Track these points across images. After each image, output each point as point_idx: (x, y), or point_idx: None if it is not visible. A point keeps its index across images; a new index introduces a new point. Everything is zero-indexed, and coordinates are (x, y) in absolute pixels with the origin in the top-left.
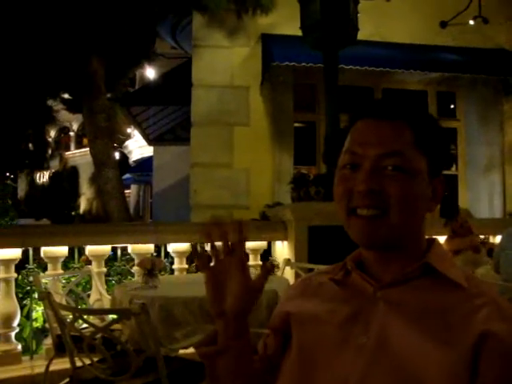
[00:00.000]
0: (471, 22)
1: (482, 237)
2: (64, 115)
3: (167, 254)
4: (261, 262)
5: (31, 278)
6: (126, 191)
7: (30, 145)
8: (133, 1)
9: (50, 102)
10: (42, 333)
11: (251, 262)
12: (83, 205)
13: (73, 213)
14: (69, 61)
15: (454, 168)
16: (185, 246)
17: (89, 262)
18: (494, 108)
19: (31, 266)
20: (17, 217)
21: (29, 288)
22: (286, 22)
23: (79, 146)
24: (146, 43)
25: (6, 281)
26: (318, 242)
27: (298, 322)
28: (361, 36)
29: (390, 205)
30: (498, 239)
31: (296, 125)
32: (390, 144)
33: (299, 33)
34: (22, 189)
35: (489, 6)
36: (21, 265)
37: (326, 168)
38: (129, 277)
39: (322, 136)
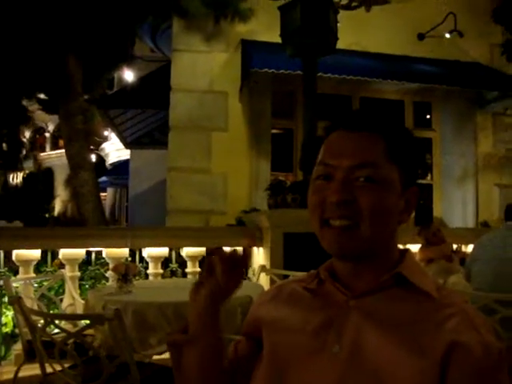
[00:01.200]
0: (447, 35)
1: (455, 246)
2: (40, 116)
3: (142, 259)
4: None
5: (1, 282)
6: (102, 194)
7: (4, 145)
8: (112, 1)
9: (25, 102)
10: (11, 338)
11: None
12: (58, 207)
13: (47, 215)
14: (45, 61)
15: (429, 177)
16: (159, 251)
17: (62, 266)
18: (469, 119)
19: (2, 269)
20: None
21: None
22: (266, 29)
23: (55, 147)
24: (124, 45)
25: None
26: (294, 249)
27: (269, 329)
28: (340, 45)
29: (362, 216)
30: (470, 248)
31: (274, 131)
32: (363, 155)
33: (279, 40)
34: None
35: (464, 21)
36: None
37: (303, 175)
38: (103, 281)
39: (299, 143)
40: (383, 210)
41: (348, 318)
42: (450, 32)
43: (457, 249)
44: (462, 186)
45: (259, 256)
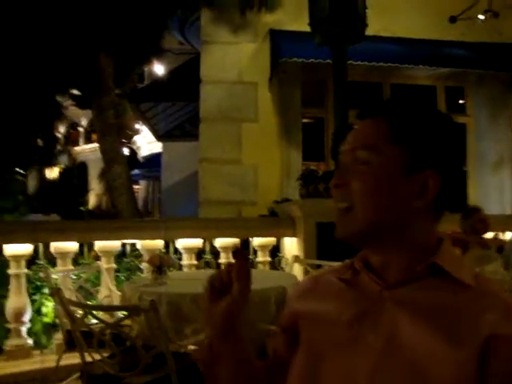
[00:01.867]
0: (481, 17)
1: (492, 233)
2: (73, 111)
3: (176, 250)
4: (269, 259)
5: (42, 274)
6: (135, 187)
7: (40, 141)
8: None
9: (59, 98)
10: (52, 328)
11: (260, 259)
12: (92, 200)
13: (82, 208)
14: (77, 57)
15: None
16: (193, 242)
17: (98, 258)
18: (504, 104)
19: (41, 261)
20: (28, 212)
21: (39, 283)
22: (294, 18)
23: (88, 141)
24: (154, 39)
25: (17, 276)
26: (327, 239)
27: (306, 321)
28: (369, 31)
29: (354, 199)
30: (508, 236)
31: (304, 121)
32: (360, 139)
33: (307, 29)
34: (32, 184)
35: (499, 0)
36: (31, 260)
37: (335, 164)
38: (138, 273)
39: (330, 132)
40: (376, 192)
41: (383, 309)
42: (484, 12)
43: (494, 236)
44: (497, 172)
45: (292, 246)
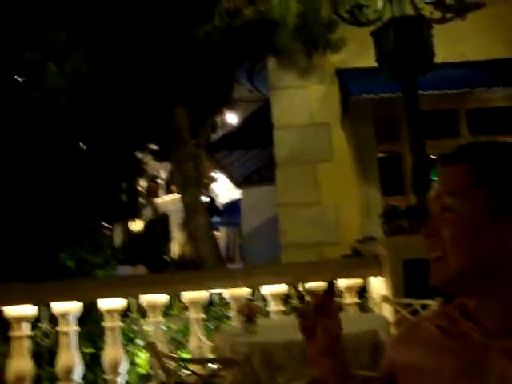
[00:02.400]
0: None
1: None
2: (152, 164)
3: (262, 297)
4: (357, 300)
5: (135, 327)
6: (216, 234)
7: (124, 196)
8: (212, 52)
9: (139, 155)
10: (146, 378)
11: (347, 301)
12: (175, 249)
13: (166, 258)
14: (154, 114)
15: None
16: (279, 288)
17: (187, 308)
18: None
19: (133, 314)
20: (117, 266)
21: (132, 335)
22: (359, 55)
23: (168, 192)
24: (224, 90)
25: (112, 329)
26: (415, 277)
27: (404, 373)
28: (437, 59)
29: (446, 247)
30: None
31: (380, 155)
32: (445, 186)
33: (374, 64)
34: (118, 237)
35: None
36: (124, 313)
37: (417, 199)
38: (226, 321)
39: (407, 165)
40: (466, 239)
41: (489, 360)
42: None
43: None
44: None
45: (379, 286)
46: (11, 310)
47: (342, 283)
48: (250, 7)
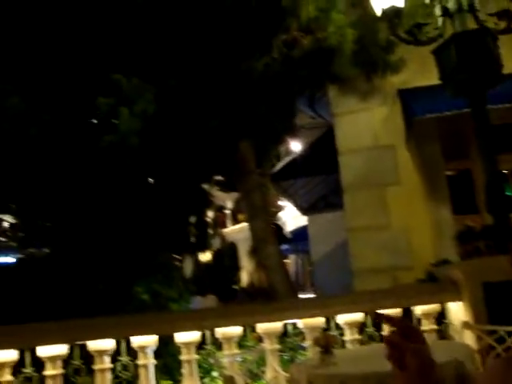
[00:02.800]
0: None
1: None
2: (218, 195)
3: (338, 326)
4: (436, 327)
5: (211, 360)
6: (285, 261)
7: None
8: (272, 83)
9: (206, 187)
10: None
11: (425, 328)
12: (245, 278)
13: (236, 287)
14: (219, 148)
15: None
16: (354, 317)
17: (260, 339)
18: None
19: (209, 346)
20: (190, 299)
21: (208, 366)
22: (421, 73)
23: (235, 222)
24: (287, 119)
25: (188, 362)
26: (497, 300)
27: None
28: (506, 70)
29: None
30: None
31: (449, 173)
32: None
33: (435, 82)
34: (187, 268)
35: None
36: (200, 346)
37: (492, 217)
38: (301, 351)
39: (479, 182)
40: None
41: None
42: None
43: None
44: None
45: (459, 311)
46: (93, 344)
47: (418, 309)
48: (306, 37)
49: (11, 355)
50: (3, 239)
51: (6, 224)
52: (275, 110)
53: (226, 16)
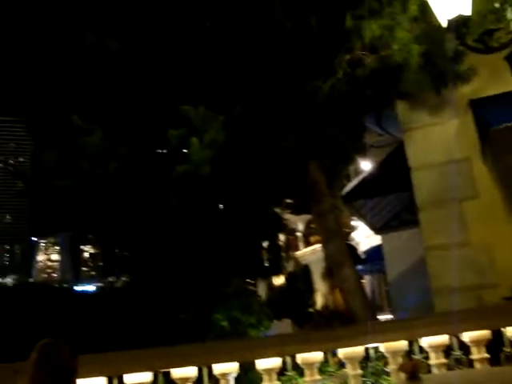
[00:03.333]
0: None
1: None
2: (289, 218)
3: (421, 349)
4: None
5: None
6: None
7: (266, 252)
8: (338, 104)
9: (278, 210)
10: None
11: None
12: (319, 301)
13: (311, 310)
14: (290, 171)
15: None
16: (439, 339)
17: (342, 364)
18: None
19: (290, 373)
20: (269, 325)
21: None
22: (493, 81)
23: (307, 244)
24: (355, 139)
25: None
26: None
27: None
28: None
29: None
30: None
31: None
32: None
33: (508, 88)
34: (261, 292)
35: None
36: (281, 372)
37: None
38: (385, 377)
39: None
40: None
41: None
42: None
43: None
44: None
45: None
46: (177, 372)
47: (509, 331)
48: (370, 55)
49: (101, 383)
50: (84, 269)
51: (86, 254)
52: (344, 130)
53: (288, 40)
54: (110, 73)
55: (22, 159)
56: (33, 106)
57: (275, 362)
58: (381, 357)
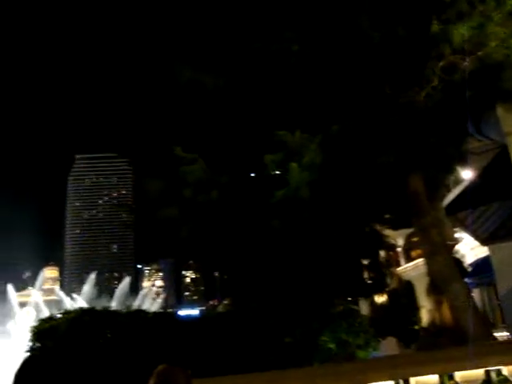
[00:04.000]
0: None
1: None
2: (388, 233)
3: None
4: None
5: None
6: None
7: (368, 270)
8: (435, 112)
9: (378, 227)
10: None
11: None
12: (425, 318)
13: (415, 327)
14: (389, 186)
15: None
16: None
17: None
18: None
19: None
20: (377, 346)
21: None
22: None
23: (408, 259)
24: (455, 147)
25: None
26: None
27: None
28: None
29: None
30: None
31: None
32: None
33: None
34: (363, 311)
35: None
36: None
37: None
38: None
39: None
40: None
41: None
42: None
43: None
44: None
45: None
46: None
47: None
48: (465, 58)
49: None
50: (186, 293)
51: (187, 280)
52: (445, 138)
53: (377, 54)
54: (207, 105)
55: (124, 192)
56: (135, 141)
57: None
58: (503, 381)
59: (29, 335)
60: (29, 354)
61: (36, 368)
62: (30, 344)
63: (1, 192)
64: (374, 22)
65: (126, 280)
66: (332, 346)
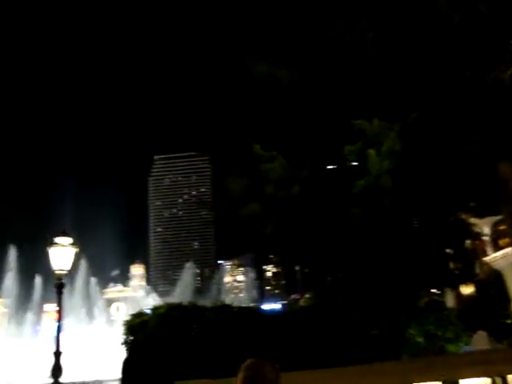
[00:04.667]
0: None
1: None
2: (473, 221)
3: None
4: None
5: None
6: None
7: (453, 260)
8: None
9: (463, 216)
10: None
11: None
12: None
13: (508, 321)
14: (476, 172)
15: None
16: None
17: None
18: None
19: None
20: (469, 340)
21: None
22: None
23: (496, 248)
24: None
25: None
26: None
27: None
28: None
29: None
30: None
31: None
32: None
33: None
34: (449, 303)
35: None
36: None
37: None
38: None
39: None
40: None
41: None
42: None
43: None
44: None
45: None
46: None
47: None
48: None
49: None
50: (267, 288)
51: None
52: None
53: (457, 35)
54: (282, 100)
55: (203, 189)
56: (214, 140)
57: (482, 382)
58: None
59: (122, 329)
60: (123, 346)
61: (140, 359)
62: (124, 337)
63: (90, 198)
64: (452, 1)
65: (189, 272)
66: (420, 339)
